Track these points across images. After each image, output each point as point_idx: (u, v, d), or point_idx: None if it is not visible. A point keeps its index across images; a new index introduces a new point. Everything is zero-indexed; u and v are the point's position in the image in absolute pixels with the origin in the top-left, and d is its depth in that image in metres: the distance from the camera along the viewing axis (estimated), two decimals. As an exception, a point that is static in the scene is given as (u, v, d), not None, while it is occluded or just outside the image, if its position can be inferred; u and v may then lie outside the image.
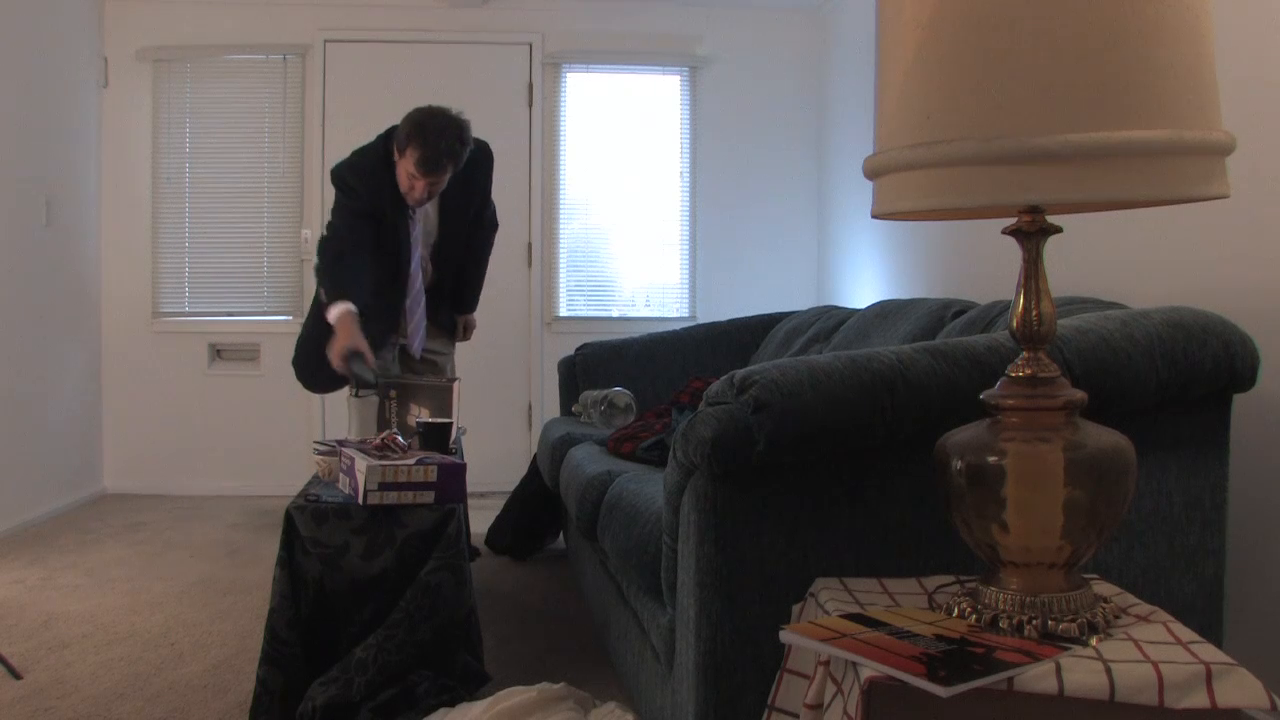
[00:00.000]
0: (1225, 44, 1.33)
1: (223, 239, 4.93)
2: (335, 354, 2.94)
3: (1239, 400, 1.76)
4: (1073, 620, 1.24)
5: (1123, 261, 2.49)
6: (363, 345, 2.95)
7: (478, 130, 3.20)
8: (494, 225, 3.59)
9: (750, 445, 1.49)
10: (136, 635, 2.72)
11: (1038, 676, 1.13)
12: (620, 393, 3.54)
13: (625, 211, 5.12)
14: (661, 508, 1.79)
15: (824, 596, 1.43)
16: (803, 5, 5.04)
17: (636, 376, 3.80)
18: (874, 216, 1.33)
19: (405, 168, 3.07)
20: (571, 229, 5.10)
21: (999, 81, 1.13)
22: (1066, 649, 1.19)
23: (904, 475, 1.59)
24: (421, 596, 2.15)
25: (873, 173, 1.30)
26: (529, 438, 4.94)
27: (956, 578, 1.48)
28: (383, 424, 2.91)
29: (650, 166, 5.11)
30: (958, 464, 1.27)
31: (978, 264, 3.34)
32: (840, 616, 1.31)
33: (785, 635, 1.30)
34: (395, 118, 3.16)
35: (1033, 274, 1.28)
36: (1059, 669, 1.14)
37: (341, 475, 2.37)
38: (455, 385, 3.06)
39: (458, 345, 3.73)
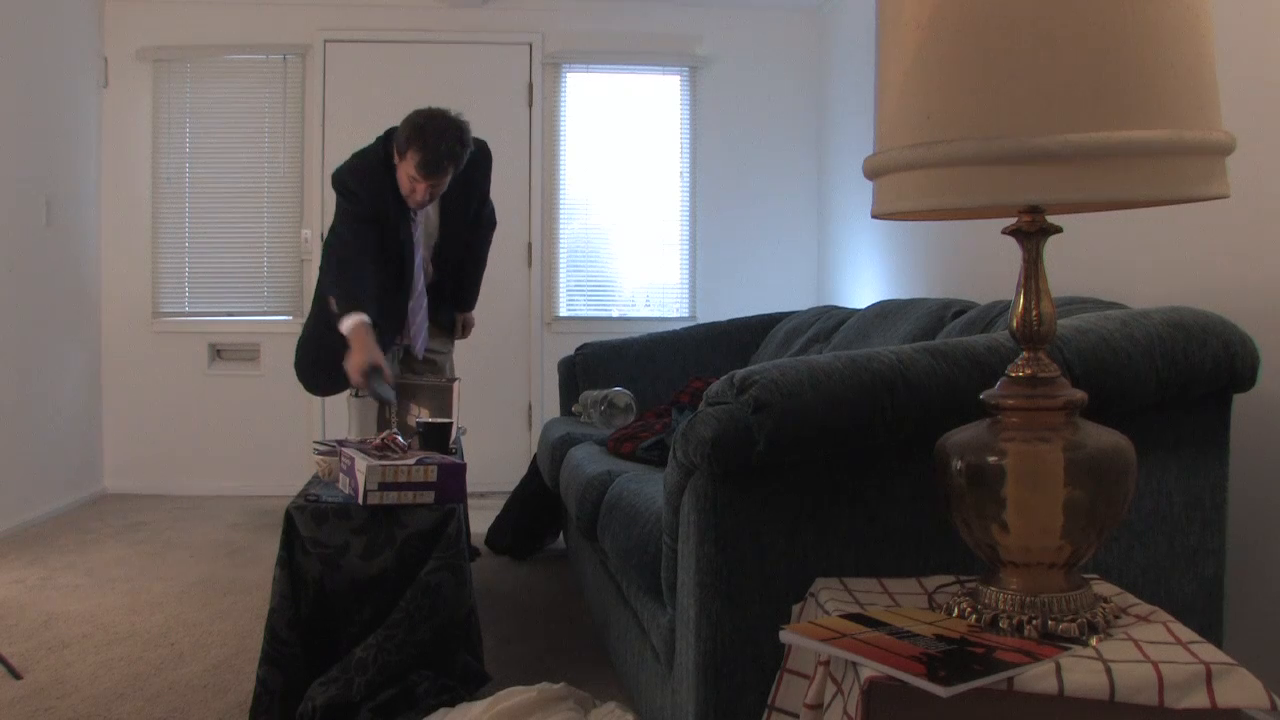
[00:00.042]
0: (1225, 44, 1.33)
1: (223, 239, 4.93)
2: (354, 369, 2.91)
3: (1239, 400, 1.76)
4: (1073, 620, 1.24)
5: (1123, 261, 2.49)
6: (381, 360, 2.94)
7: (477, 130, 3.20)
8: (493, 223, 3.59)
9: (750, 445, 1.49)
10: (136, 635, 2.72)
11: (1038, 676, 1.13)
12: (620, 393, 3.54)
13: (625, 211, 5.12)
14: (661, 508, 1.79)
15: (824, 596, 1.43)
16: (803, 5, 5.04)
17: (636, 376, 3.80)
18: (874, 216, 1.33)
19: (406, 171, 3.06)
20: (571, 229, 5.10)
21: (999, 81, 1.13)
22: (1066, 649, 1.19)
23: (904, 475, 1.59)
24: (421, 596, 2.15)
25: (873, 173, 1.30)
26: (529, 438, 4.94)
27: (956, 578, 1.48)
28: (383, 424, 2.91)
29: (650, 166, 5.11)
30: (958, 464, 1.27)
31: (978, 264, 3.34)
32: (840, 616, 1.31)
33: (785, 635, 1.30)
34: (395, 118, 3.16)
35: (1033, 274, 1.28)
36: (1059, 669, 1.14)
37: (341, 475, 2.37)
38: (455, 385, 3.06)
39: (457, 344, 3.73)
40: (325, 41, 4.89)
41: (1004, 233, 1.30)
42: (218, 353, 4.96)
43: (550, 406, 4.81)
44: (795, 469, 1.56)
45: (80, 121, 4.64)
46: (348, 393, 3.02)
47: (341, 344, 3.01)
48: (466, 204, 3.38)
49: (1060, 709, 1.13)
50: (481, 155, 3.33)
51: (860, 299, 4.30)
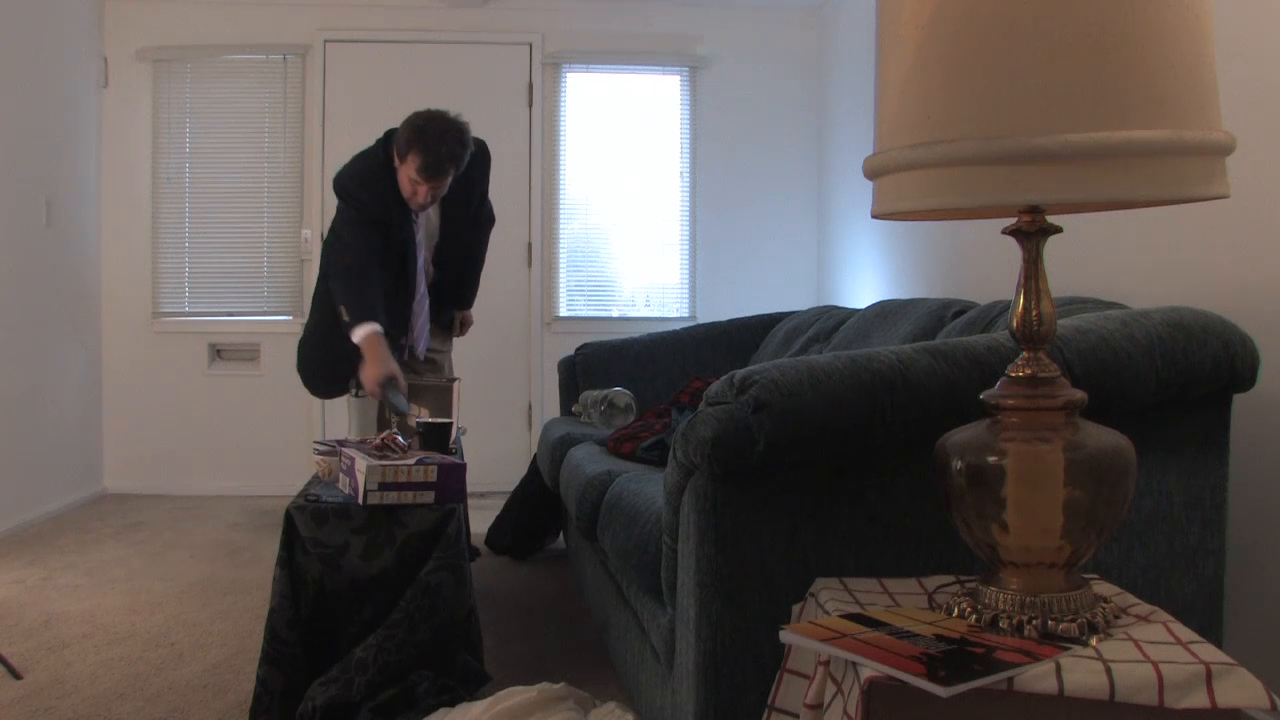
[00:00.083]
0: (1225, 44, 1.33)
1: (223, 239, 4.93)
2: (370, 381, 2.90)
3: (1239, 400, 1.76)
4: (1073, 620, 1.24)
5: (1123, 261, 2.49)
6: (397, 371, 2.93)
7: (478, 130, 3.20)
8: (491, 220, 3.59)
9: (750, 445, 1.49)
10: (136, 635, 2.72)
11: (1038, 676, 1.13)
12: (620, 393, 3.54)
13: (625, 211, 5.12)
14: (661, 508, 1.79)
15: (824, 596, 1.43)
16: (803, 5, 5.04)
17: (636, 376, 3.80)
18: (874, 216, 1.33)
19: (407, 173, 3.06)
20: (571, 229, 5.10)
21: (999, 81, 1.13)
22: (1066, 649, 1.19)
23: (904, 475, 1.59)
24: (421, 596, 2.15)
25: (873, 173, 1.30)
26: (529, 438, 4.95)
27: (956, 578, 1.48)
28: (383, 424, 2.92)
29: (650, 166, 5.11)
30: (958, 464, 1.27)
31: (978, 264, 3.34)
32: (840, 616, 1.31)
33: (785, 635, 1.30)
34: (395, 118, 3.16)
35: (1033, 274, 1.28)
36: (1059, 669, 1.14)
37: (341, 475, 2.37)
38: (456, 385, 3.06)
39: (457, 344, 3.74)
40: (325, 41, 4.89)
41: (1004, 233, 1.30)
42: (218, 353, 4.96)
43: (550, 406, 4.81)
44: (795, 469, 1.56)
45: (80, 121, 4.64)
46: (348, 393, 3.02)
47: (345, 347, 3.01)
48: (466, 204, 3.38)
49: (1060, 709, 1.13)
50: (480, 155, 3.33)
51: (860, 299, 4.30)
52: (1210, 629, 1.72)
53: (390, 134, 3.16)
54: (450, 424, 2.76)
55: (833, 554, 1.58)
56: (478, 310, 3.70)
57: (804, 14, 5.08)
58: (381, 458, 2.27)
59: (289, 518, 2.19)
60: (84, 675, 2.42)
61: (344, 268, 3.10)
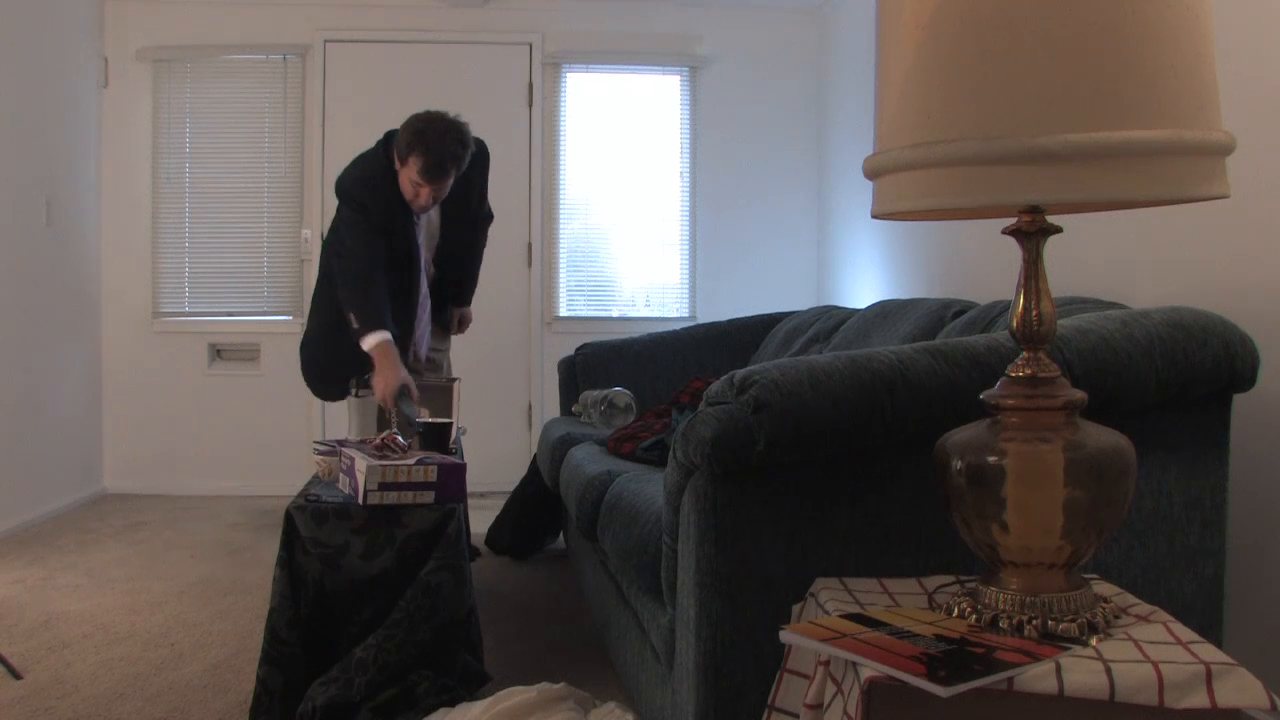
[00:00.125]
0: (1225, 44, 1.33)
1: (223, 239, 4.93)
2: (386, 390, 2.90)
3: (1239, 400, 1.76)
4: (1073, 620, 1.24)
5: (1123, 261, 2.49)
6: (409, 380, 2.93)
7: (477, 130, 3.20)
8: (489, 217, 3.59)
9: (750, 445, 1.49)
10: (136, 635, 2.72)
11: (1038, 676, 1.13)
12: (620, 393, 3.54)
13: (625, 211, 5.12)
14: (661, 508, 1.79)
15: (824, 596, 1.43)
16: (803, 5, 5.04)
17: (636, 376, 3.80)
18: (874, 216, 1.33)
19: (409, 176, 3.05)
20: (571, 229, 5.10)
21: (999, 81, 1.13)
22: (1066, 649, 1.19)
23: (904, 475, 1.59)
24: (421, 596, 2.15)
25: (873, 173, 1.30)
26: (529, 438, 4.95)
27: (956, 578, 1.48)
28: (383, 424, 2.91)
29: (650, 166, 5.11)
30: (958, 464, 1.27)
31: (978, 264, 3.34)
32: (840, 616, 1.31)
33: (785, 635, 1.30)
34: (395, 118, 3.15)
35: (1033, 274, 1.28)
36: (1059, 669, 1.14)
37: (341, 475, 2.37)
38: (455, 385, 3.06)
39: (458, 344, 3.73)
40: (325, 41, 4.89)
41: (1004, 233, 1.30)
42: (218, 353, 4.96)
43: (550, 406, 4.81)
44: (795, 469, 1.56)
45: (80, 121, 4.64)
46: (349, 393, 3.02)
47: (348, 349, 3.01)
48: (466, 203, 3.38)
49: (1060, 709, 1.13)
50: (480, 154, 3.33)
51: (860, 299, 4.30)
52: (1210, 629, 1.72)
53: (390, 136, 3.15)
54: (450, 424, 2.76)
55: (833, 554, 1.58)
56: (478, 310, 3.70)
57: (804, 14, 5.08)
58: (381, 458, 2.27)
59: (289, 518, 2.19)
60: (84, 675, 2.42)
61: (352, 274, 3.09)
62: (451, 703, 2.09)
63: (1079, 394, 1.27)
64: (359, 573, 2.18)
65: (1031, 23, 1.12)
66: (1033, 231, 1.27)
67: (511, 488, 3.75)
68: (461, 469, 2.27)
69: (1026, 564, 1.27)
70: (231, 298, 4.95)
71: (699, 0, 5.00)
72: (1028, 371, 1.28)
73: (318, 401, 4.66)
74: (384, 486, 2.18)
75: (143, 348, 4.88)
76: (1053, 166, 1.11)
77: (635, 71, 5.09)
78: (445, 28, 4.93)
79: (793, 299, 4.90)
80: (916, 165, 1.20)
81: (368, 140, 3.24)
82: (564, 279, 5.10)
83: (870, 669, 1.15)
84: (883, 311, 3.01)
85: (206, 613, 2.93)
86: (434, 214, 3.34)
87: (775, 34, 5.10)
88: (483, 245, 3.61)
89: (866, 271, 4.43)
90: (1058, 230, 1.28)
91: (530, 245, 5.02)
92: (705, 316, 4.93)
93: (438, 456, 2.33)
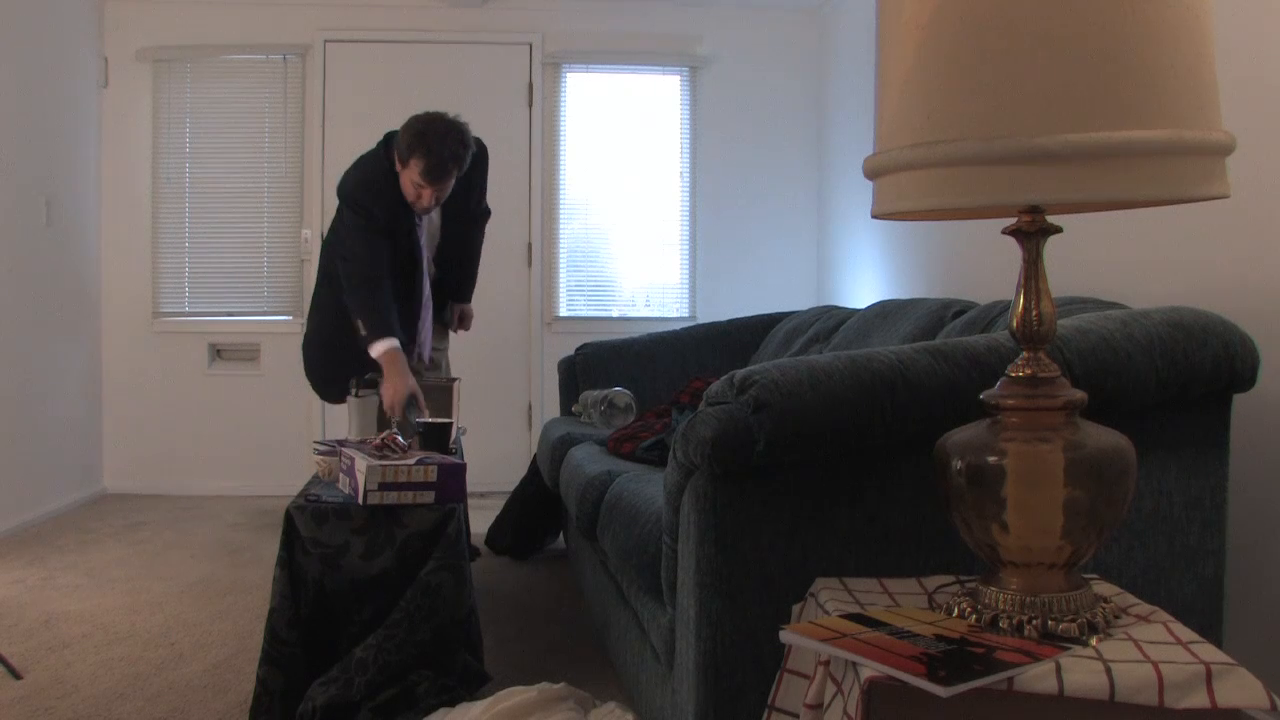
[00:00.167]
0: (1225, 44, 1.33)
1: (223, 239, 4.93)
2: (394, 398, 2.90)
3: (1239, 400, 1.76)
4: (1073, 620, 1.24)
5: (1123, 261, 2.49)
6: (417, 388, 2.94)
7: (477, 130, 3.21)
8: (487, 214, 3.59)
9: (750, 445, 1.49)
10: (136, 635, 2.72)
11: (1038, 676, 1.13)
12: (620, 393, 3.54)
13: (625, 211, 5.12)
14: (661, 508, 1.79)
15: (824, 596, 1.43)
16: (803, 5, 5.04)
17: (636, 376, 3.80)
18: (874, 216, 1.33)
19: (410, 177, 3.05)
20: (571, 229, 5.10)
21: (999, 81, 1.13)
22: (1066, 649, 1.19)
23: (904, 475, 1.59)
24: (421, 596, 2.15)
25: (873, 173, 1.30)
26: (529, 438, 4.95)
27: (956, 578, 1.48)
28: (383, 424, 2.91)
29: (650, 166, 5.11)
30: (958, 464, 1.27)
31: (978, 264, 3.34)
32: (840, 616, 1.31)
33: (785, 635, 1.30)
34: (395, 118, 3.15)
35: (1033, 274, 1.28)
36: (1059, 669, 1.14)
37: (341, 475, 2.37)
38: (455, 385, 3.06)
39: (458, 344, 3.73)
40: (325, 41, 4.89)
41: (1004, 233, 1.30)
42: (218, 353, 4.96)
43: (550, 406, 4.81)
44: (795, 469, 1.56)
45: (80, 121, 4.64)
46: (349, 393, 3.02)
47: (350, 349, 3.01)
48: (467, 203, 3.38)
49: (1060, 709, 1.13)
50: (480, 154, 3.33)
51: (860, 299, 4.30)
52: (1210, 629, 1.72)
53: (390, 137, 3.15)
54: (450, 424, 2.76)
55: (833, 554, 1.58)
56: (478, 310, 3.70)
57: (804, 14, 5.08)
58: (381, 458, 2.27)
59: (289, 518, 2.19)
60: (84, 675, 2.42)
61: (358, 280, 3.08)
62: (451, 703, 2.09)
63: (1079, 394, 1.27)
64: (359, 573, 2.18)
65: (1031, 23, 1.12)
66: (1033, 231, 1.27)
67: (511, 488, 3.75)
68: (461, 469, 2.27)
69: (1026, 564, 1.27)
70: (231, 298, 4.95)
71: (699, 0, 5.00)
72: (1028, 371, 1.28)
73: (318, 401, 4.66)
74: (384, 486, 2.18)
75: (143, 347, 4.88)
76: (1053, 166, 1.11)
77: (635, 71, 5.09)
78: (445, 28, 4.93)
79: (793, 299, 4.90)
80: (917, 165, 1.20)
81: (368, 140, 3.24)
82: (564, 279, 5.10)
83: (870, 669, 1.15)
84: (883, 311, 3.01)
85: (206, 613, 2.93)
86: (435, 214, 3.34)
87: (775, 34, 5.10)
88: (481, 242, 3.61)
89: (866, 271, 4.43)
90: (1058, 230, 1.28)
91: (530, 245, 5.02)
92: (705, 316, 4.93)
93: (438, 456, 2.33)
